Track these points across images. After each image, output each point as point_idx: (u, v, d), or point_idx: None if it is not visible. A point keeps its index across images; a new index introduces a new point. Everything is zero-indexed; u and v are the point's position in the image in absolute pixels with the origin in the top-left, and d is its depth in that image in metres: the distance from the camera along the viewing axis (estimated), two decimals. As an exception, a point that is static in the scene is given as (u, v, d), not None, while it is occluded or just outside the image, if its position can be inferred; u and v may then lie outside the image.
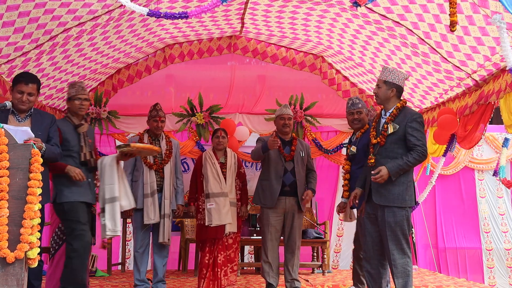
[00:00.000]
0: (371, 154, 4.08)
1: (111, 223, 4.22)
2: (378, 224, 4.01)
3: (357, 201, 4.21)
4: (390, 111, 4.05)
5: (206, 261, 5.16)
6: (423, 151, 3.88)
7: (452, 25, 3.61)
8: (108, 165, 4.32)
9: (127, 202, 4.38)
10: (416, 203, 7.13)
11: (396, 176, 3.89)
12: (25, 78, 3.87)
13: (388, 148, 3.98)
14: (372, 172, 3.94)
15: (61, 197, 4.20)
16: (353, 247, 5.10)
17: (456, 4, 3.60)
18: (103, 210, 4.30)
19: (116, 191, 4.26)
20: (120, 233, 4.39)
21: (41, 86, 4.06)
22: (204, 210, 5.17)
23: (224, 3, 3.58)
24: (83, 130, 4.36)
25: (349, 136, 5.15)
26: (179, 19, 3.74)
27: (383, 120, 4.08)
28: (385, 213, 3.93)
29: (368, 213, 4.08)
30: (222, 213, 5.07)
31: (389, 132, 3.96)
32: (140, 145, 4.47)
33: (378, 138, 4.04)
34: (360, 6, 3.57)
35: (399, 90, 4.08)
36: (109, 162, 4.34)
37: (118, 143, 5.35)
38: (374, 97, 4.20)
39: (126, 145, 4.39)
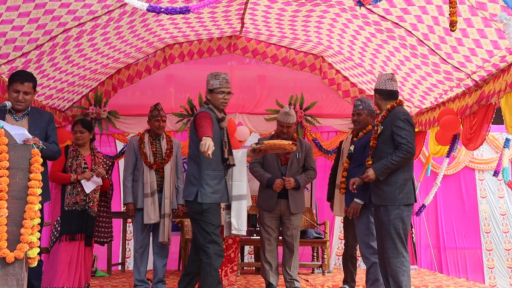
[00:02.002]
0: (369, 156, 4.24)
1: (237, 222, 4.06)
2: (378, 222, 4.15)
3: (355, 187, 4.32)
4: (382, 113, 4.22)
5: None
6: (408, 149, 3.96)
7: (452, 25, 3.62)
8: (238, 161, 4.10)
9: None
10: (423, 205, 7.14)
11: (383, 175, 4.01)
12: (21, 77, 3.80)
13: (380, 149, 4.13)
14: (362, 176, 4.13)
15: (203, 197, 3.92)
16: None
17: (456, 4, 3.60)
18: (228, 207, 4.11)
19: (245, 189, 4.10)
20: (245, 233, 4.21)
21: (41, 86, 4.03)
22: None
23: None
24: (225, 124, 4.09)
25: (348, 135, 5.24)
26: (180, 14, 3.60)
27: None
28: (381, 212, 4.05)
29: (374, 213, 4.27)
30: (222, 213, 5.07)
31: (378, 133, 4.14)
32: (272, 141, 4.21)
33: (371, 142, 4.22)
34: (364, 6, 3.57)
35: (382, 93, 4.22)
36: (239, 158, 4.13)
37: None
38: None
39: (259, 142, 4.21)
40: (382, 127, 4.09)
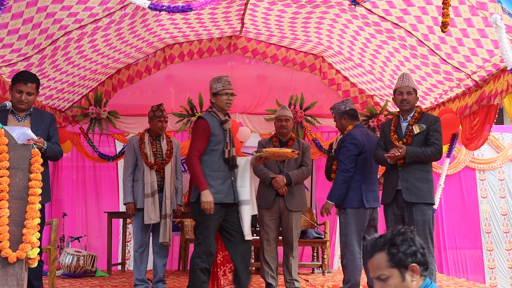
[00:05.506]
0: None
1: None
2: (404, 224, 4.17)
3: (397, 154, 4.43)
4: (411, 114, 4.36)
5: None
6: (439, 150, 4.20)
7: (444, 26, 3.66)
8: (241, 167, 4.20)
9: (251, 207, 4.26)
10: (433, 210, 7.11)
11: (411, 160, 4.14)
12: (24, 77, 3.83)
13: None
14: (393, 149, 4.16)
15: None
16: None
17: (449, 5, 3.61)
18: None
19: (247, 194, 4.16)
20: (250, 237, 4.25)
21: (42, 87, 4.04)
22: (202, 210, 5.16)
23: None
24: (229, 126, 4.20)
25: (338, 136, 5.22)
26: (182, 13, 3.61)
27: (404, 124, 4.37)
28: (413, 212, 4.15)
29: (394, 214, 4.28)
30: (220, 213, 5.07)
31: (415, 133, 4.26)
32: (274, 149, 4.31)
33: (404, 139, 4.29)
34: (358, 5, 3.57)
35: (416, 93, 4.47)
36: (243, 164, 4.21)
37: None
38: (403, 103, 4.34)
39: (259, 151, 4.28)
40: (424, 126, 4.24)
